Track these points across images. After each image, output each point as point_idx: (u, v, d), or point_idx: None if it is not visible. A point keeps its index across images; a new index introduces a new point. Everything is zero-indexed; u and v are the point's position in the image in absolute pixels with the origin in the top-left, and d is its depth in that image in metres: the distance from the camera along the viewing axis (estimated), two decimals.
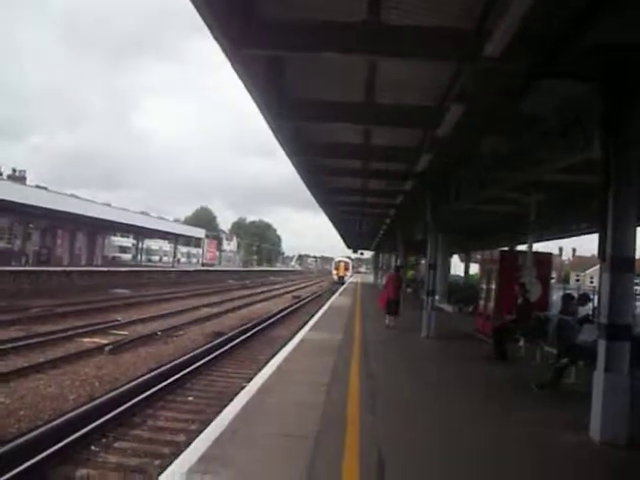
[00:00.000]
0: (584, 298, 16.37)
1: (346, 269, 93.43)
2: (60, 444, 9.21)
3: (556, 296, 25.37)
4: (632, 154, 8.47)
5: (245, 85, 10.92)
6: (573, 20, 7.34)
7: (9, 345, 17.75)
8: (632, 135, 8.43)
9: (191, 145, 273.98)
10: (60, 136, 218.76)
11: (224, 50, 8.98)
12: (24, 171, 60.11)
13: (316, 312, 27.93)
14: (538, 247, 31.63)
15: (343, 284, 71.97)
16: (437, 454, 7.48)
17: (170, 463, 6.74)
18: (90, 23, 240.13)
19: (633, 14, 7.12)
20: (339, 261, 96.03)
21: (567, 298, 16.51)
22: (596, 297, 14.88)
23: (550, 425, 9.28)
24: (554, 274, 54.64)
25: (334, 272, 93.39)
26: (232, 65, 9.78)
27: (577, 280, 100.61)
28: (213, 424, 8.03)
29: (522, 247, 27.32)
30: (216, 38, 8.48)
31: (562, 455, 7.83)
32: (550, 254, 24.87)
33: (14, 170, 59.24)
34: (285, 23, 8.93)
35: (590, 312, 14.70)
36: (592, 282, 72.27)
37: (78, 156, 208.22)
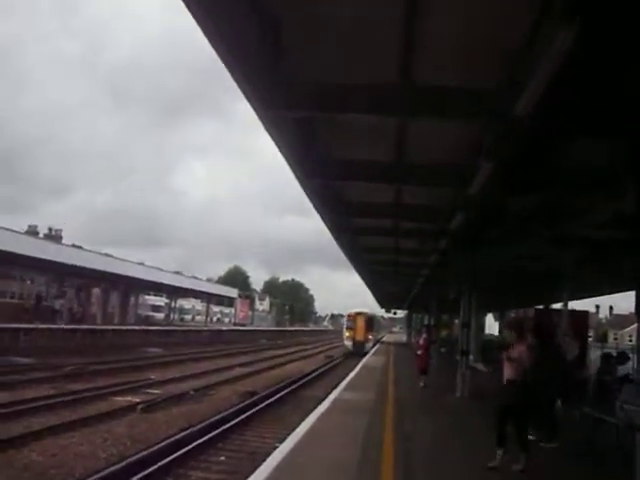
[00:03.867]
0: (623, 357, 16.09)
1: (368, 328, 56.11)
2: None
3: (594, 355, 24.95)
4: None
5: (276, 144, 11.08)
6: (606, 76, 7.40)
7: (42, 403, 17.78)
8: None
9: (226, 204, 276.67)
10: (100, 194, 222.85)
11: (254, 109, 9.16)
12: (60, 230, 61.14)
13: (349, 372, 27.66)
14: (574, 305, 31.41)
15: (364, 354, 44.97)
16: None
17: None
18: (136, 79, 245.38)
19: None
20: (356, 315, 56.91)
21: (606, 357, 16.23)
22: (635, 356, 14.65)
23: None
24: (591, 332, 53.75)
25: (346, 334, 57.28)
26: (263, 124, 9.95)
27: (615, 339, 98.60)
28: None
29: (557, 305, 26.97)
30: (247, 98, 8.67)
31: None
32: (586, 312, 24.51)
33: (50, 229, 60.24)
34: (315, 84, 9.08)
35: (630, 371, 14.44)
36: (630, 340, 70.93)
37: (116, 214, 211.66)
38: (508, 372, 10.09)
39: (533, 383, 10.19)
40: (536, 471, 10.02)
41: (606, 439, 12.27)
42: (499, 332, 51.93)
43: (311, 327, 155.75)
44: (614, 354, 17.16)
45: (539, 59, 6.60)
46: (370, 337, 57.13)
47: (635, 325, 13.78)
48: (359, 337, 55.71)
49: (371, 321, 58.26)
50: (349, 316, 58.88)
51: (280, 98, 8.92)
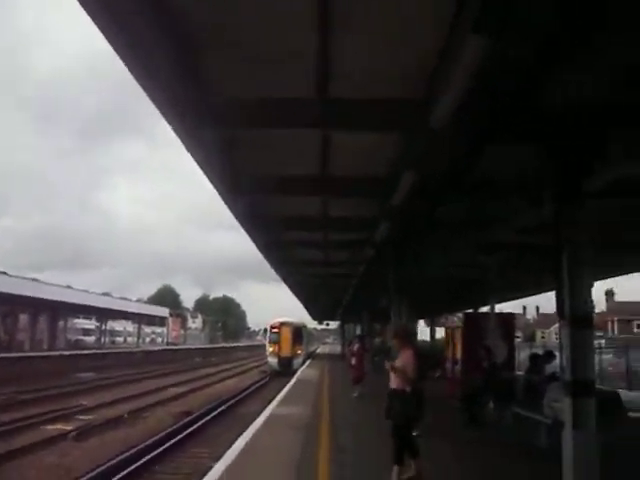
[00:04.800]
0: (549, 356, 16.48)
1: (296, 341, 48.57)
2: None
3: (523, 355, 25.55)
4: (581, 216, 8.71)
5: (195, 161, 11.03)
6: (517, 87, 7.61)
7: None
8: (580, 197, 8.69)
9: (154, 223, 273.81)
10: (23, 218, 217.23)
11: (173, 129, 9.13)
12: None
13: (284, 386, 27.64)
14: (502, 307, 32.11)
15: (293, 373, 38.57)
16: None
17: None
18: (58, 101, 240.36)
19: (576, 76, 7.43)
20: (280, 326, 48.97)
21: (533, 357, 16.65)
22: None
23: None
24: (519, 333, 55.10)
25: (269, 349, 48.95)
26: (182, 142, 9.90)
27: (542, 337, 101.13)
28: None
29: (486, 308, 27.49)
30: (165, 118, 8.64)
31: None
32: (512, 314, 25.13)
33: None
34: (232, 101, 9.07)
35: (557, 369, 14.83)
36: (557, 338, 72.77)
37: (41, 238, 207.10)
38: (394, 381, 9.64)
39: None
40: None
41: (535, 437, 12.58)
42: (430, 337, 52.76)
43: (245, 342, 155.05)
44: (541, 354, 17.61)
45: (450, 71, 6.76)
46: (299, 352, 48.72)
47: None
48: (285, 352, 47.25)
49: (299, 332, 49.94)
50: (272, 327, 49.52)
51: (197, 117, 8.90)
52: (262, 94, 8.98)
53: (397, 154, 11.10)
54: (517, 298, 38.85)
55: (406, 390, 9.39)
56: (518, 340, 42.32)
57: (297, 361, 47.06)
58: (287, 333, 48.29)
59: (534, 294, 34.96)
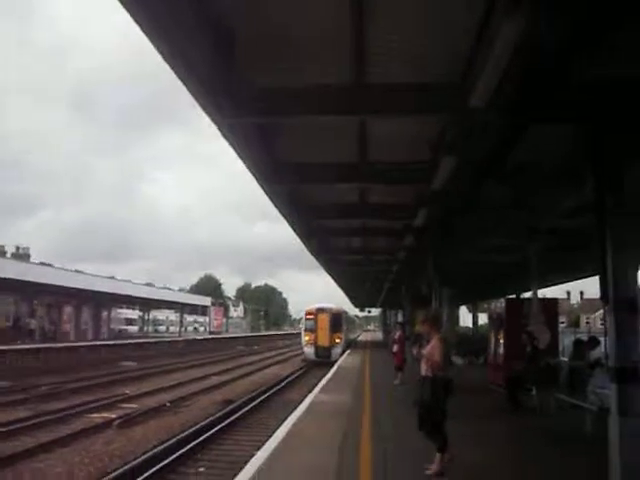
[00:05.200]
0: (593, 342, 16.22)
1: (335, 328, 43.93)
2: None
3: (568, 341, 25.20)
4: (626, 196, 8.49)
5: (235, 151, 11.03)
6: (555, 65, 7.46)
7: (17, 425, 17.51)
8: (624, 176, 8.48)
9: (196, 213, 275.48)
10: (67, 211, 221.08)
11: (212, 119, 9.13)
12: (27, 248, 60.67)
13: (325, 374, 27.64)
14: (545, 292, 31.67)
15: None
16: None
17: None
18: (99, 94, 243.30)
19: (615, 51, 7.24)
20: (317, 312, 44.64)
21: (577, 344, 16.39)
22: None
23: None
24: (563, 318, 54.49)
25: (305, 338, 44.76)
26: (221, 133, 9.90)
27: (587, 323, 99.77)
28: None
29: (529, 294, 27.13)
30: (203, 109, 8.64)
31: None
32: (556, 299, 24.75)
33: (17, 248, 59.67)
34: (271, 89, 9.05)
35: (602, 356, 14.56)
36: (602, 324, 71.70)
37: (85, 230, 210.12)
38: (422, 368, 9.46)
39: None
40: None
41: (580, 424, 12.39)
42: (472, 324, 52.36)
43: (286, 330, 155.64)
44: (585, 339, 17.34)
45: (487, 52, 6.64)
46: (338, 340, 44.20)
47: None
48: (322, 341, 43.43)
49: (338, 319, 45.12)
50: (308, 314, 45.46)
51: (236, 106, 8.88)
52: (297, 82, 8.95)
53: (436, 138, 11.00)
54: (561, 283, 38.33)
55: (432, 376, 9.19)
56: (562, 326, 41.82)
57: (336, 351, 43.15)
58: (324, 320, 44.01)
59: (578, 279, 34.45)
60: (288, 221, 18.98)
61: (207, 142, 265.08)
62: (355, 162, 13.09)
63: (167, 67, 7.39)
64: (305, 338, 44.82)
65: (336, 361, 36.23)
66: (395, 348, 24.60)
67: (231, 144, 10.63)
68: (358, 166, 13.28)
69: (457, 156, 10.78)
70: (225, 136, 10.17)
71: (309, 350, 44.24)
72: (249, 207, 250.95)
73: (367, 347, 54.96)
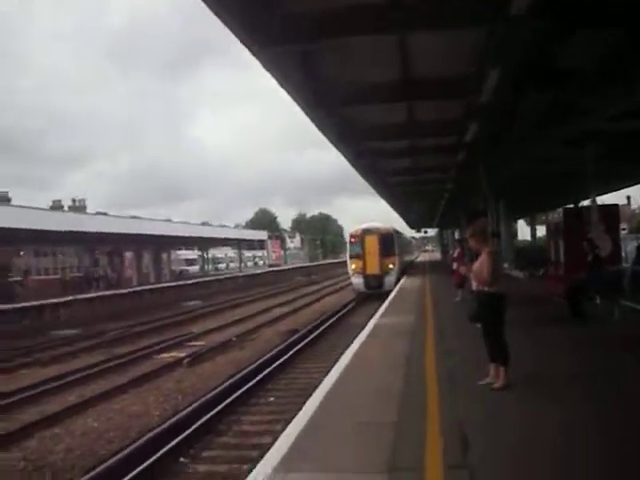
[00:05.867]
0: None
1: (386, 252, 37.29)
2: (148, 461, 9.33)
3: (630, 247, 24.73)
4: None
5: (277, 81, 10.87)
6: None
7: (92, 370, 18.08)
8: None
9: (245, 150, 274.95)
10: (117, 159, 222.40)
11: (249, 50, 8.96)
12: (84, 200, 61.73)
13: (387, 297, 27.74)
14: (605, 199, 31.05)
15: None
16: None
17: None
18: (136, 38, 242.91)
19: None
20: (363, 234, 37.88)
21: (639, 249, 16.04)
22: None
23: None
24: (625, 225, 53.46)
25: (352, 266, 38.12)
26: (261, 63, 9.74)
27: None
28: (294, 422, 7.94)
29: (587, 202, 26.58)
30: (239, 38, 8.48)
31: None
32: (616, 205, 24.29)
33: (74, 200, 60.76)
34: (306, 15, 8.85)
35: None
36: None
37: (136, 176, 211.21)
38: (473, 284, 9.39)
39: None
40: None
41: None
42: (531, 237, 51.79)
43: (344, 258, 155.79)
44: None
45: None
46: (391, 266, 37.33)
47: None
48: (372, 269, 36.93)
49: (390, 240, 37.93)
50: (353, 237, 38.63)
51: (274, 35, 8.71)
52: (334, 4, 8.70)
53: (479, 50, 10.66)
54: (620, 189, 37.45)
55: (484, 290, 8.95)
56: (623, 232, 41.08)
57: (389, 279, 36.63)
58: (373, 243, 37.26)
59: (638, 183, 33.69)
60: (336, 146, 18.79)
61: (250, 76, 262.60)
62: (400, 80, 12.81)
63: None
64: (352, 266, 38.11)
65: (390, 291, 30.35)
66: (455, 266, 24.48)
67: (272, 74, 10.48)
68: (403, 84, 13.00)
69: (502, 66, 10.47)
70: (265, 66, 10.01)
71: (357, 280, 37.70)
72: (296, 137, 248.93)
73: (426, 268, 54.72)
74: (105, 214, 49.48)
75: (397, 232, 42.59)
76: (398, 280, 36.89)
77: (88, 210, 57.37)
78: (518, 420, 7.35)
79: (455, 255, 24.95)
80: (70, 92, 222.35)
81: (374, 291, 35.60)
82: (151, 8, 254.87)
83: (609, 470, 5.58)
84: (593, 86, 11.87)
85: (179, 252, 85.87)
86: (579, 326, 14.38)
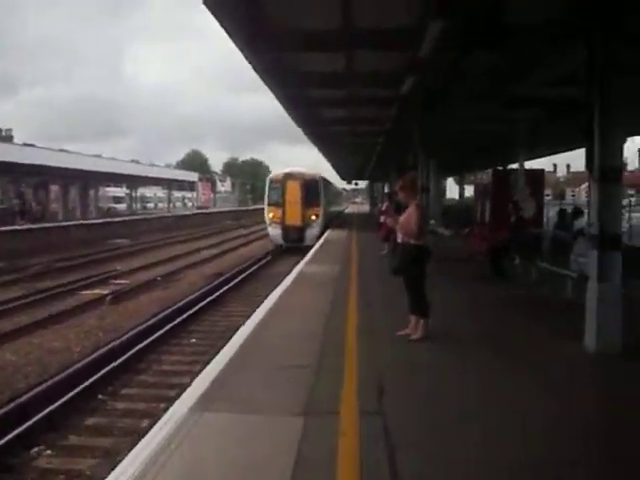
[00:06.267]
0: (577, 212, 16.38)
1: (310, 201, 34.39)
2: (66, 397, 9.34)
3: (552, 212, 25.47)
4: (616, 63, 8.35)
5: (216, 18, 10.65)
6: None
7: (12, 305, 17.78)
8: (615, 43, 8.31)
9: (179, 88, 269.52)
10: (49, 89, 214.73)
11: None
12: (10, 130, 59.94)
13: (312, 245, 27.97)
14: (532, 165, 31.71)
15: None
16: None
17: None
18: None
19: None
20: (285, 178, 34.70)
21: (562, 213, 16.56)
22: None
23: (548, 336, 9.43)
24: (549, 191, 54.82)
25: (269, 215, 35.08)
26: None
27: (572, 195, 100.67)
28: (213, 363, 8.05)
29: (515, 166, 27.14)
30: None
31: (559, 365, 7.96)
32: (542, 170, 24.87)
33: (0, 130, 58.85)
34: None
35: (584, 225, 14.73)
36: (587, 197, 71.67)
37: (68, 108, 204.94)
38: (399, 236, 9.53)
39: None
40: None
41: (561, 291, 12.69)
42: (459, 196, 52.64)
43: None
44: (569, 210, 17.50)
45: None
46: (314, 217, 34.30)
47: None
48: (292, 219, 33.62)
49: (314, 187, 34.75)
50: (273, 182, 35.18)
51: None
52: None
53: (422, 2, 10.65)
54: (547, 155, 38.31)
55: (410, 242, 9.15)
56: (548, 198, 42.11)
57: (311, 232, 33.81)
58: (295, 190, 33.88)
59: (565, 151, 34.46)
60: (273, 91, 18.61)
61: (192, 13, 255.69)
62: (340, 28, 12.68)
63: None
64: (269, 215, 34.54)
65: (312, 246, 27.93)
66: (382, 219, 24.74)
67: (212, 12, 10.27)
68: (343, 32, 12.88)
69: (444, 19, 10.47)
70: (205, 3, 9.81)
71: (275, 232, 34.34)
72: (234, 80, 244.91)
73: (354, 219, 55.18)
74: (33, 146, 47.94)
75: (324, 180, 39.34)
76: (322, 234, 34.10)
77: (15, 141, 55.56)
78: (432, 370, 7.66)
79: (383, 208, 25.23)
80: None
81: (293, 244, 33.01)
82: None
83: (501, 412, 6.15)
84: (535, 49, 12.05)
85: (107, 189, 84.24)
86: (498, 285, 14.86)
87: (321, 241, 30.09)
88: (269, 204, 34.87)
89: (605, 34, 8.28)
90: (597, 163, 8.44)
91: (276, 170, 37.98)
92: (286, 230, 33.64)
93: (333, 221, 45.83)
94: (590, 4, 8.53)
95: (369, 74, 16.86)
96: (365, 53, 14.70)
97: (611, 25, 8.22)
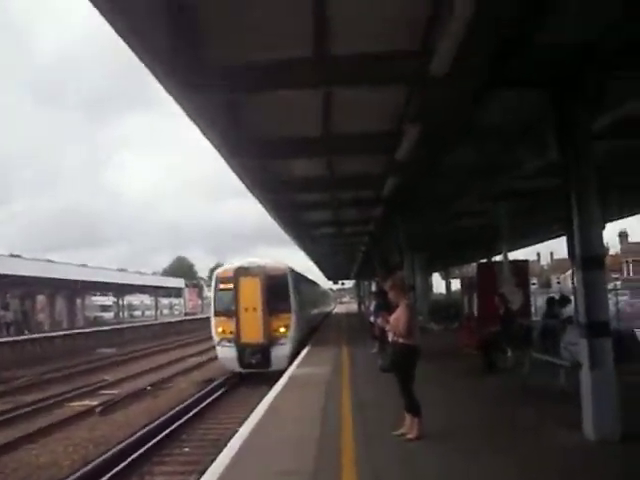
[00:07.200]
0: (564, 300, 16.49)
1: (276, 307, 23.40)
2: None
3: (541, 301, 25.62)
4: (589, 155, 8.67)
5: (199, 127, 10.94)
6: (513, 32, 7.52)
7: None
8: (586, 138, 8.65)
9: (164, 197, 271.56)
10: (33, 200, 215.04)
11: (174, 98, 9.08)
12: None
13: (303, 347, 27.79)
14: (516, 255, 32.13)
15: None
16: None
17: None
18: (57, 80, 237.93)
19: (573, 16, 7.34)
20: (237, 274, 23.40)
21: (550, 302, 16.66)
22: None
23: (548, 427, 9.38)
24: (535, 280, 55.23)
25: (218, 329, 23.75)
26: (184, 111, 9.84)
27: (558, 283, 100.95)
28: (209, 471, 7.94)
29: (500, 257, 27.46)
30: (164, 86, 8.58)
31: (563, 457, 7.90)
32: (526, 261, 25.18)
33: None
34: (233, 66, 9.01)
35: (573, 313, 14.83)
36: (574, 283, 72.02)
37: (52, 219, 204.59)
38: (389, 335, 9.55)
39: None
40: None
41: (555, 380, 12.66)
42: (446, 290, 52.84)
43: None
44: (557, 298, 17.62)
45: (445, 19, 6.71)
46: (283, 329, 23.90)
47: None
48: (251, 334, 23.29)
49: (283, 286, 24.43)
50: (221, 281, 24.74)
51: (198, 83, 8.83)
52: (260, 57, 8.89)
53: (400, 108, 11.04)
54: (530, 245, 38.88)
55: (399, 342, 9.21)
56: (534, 287, 42.48)
57: (281, 352, 23.53)
58: (252, 290, 23.47)
59: (547, 240, 35.01)
60: (256, 197, 18.90)
61: (173, 123, 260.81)
62: (320, 135, 13.05)
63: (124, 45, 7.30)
64: (217, 329, 24.32)
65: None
66: (372, 318, 24.74)
67: (194, 122, 10.56)
68: (323, 139, 13.25)
69: (422, 124, 10.85)
70: (189, 114, 10.11)
71: (226, 353, 24.03)
72: (218, 186, 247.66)
73: (342, 317, 55.13)
74: (19, 257, 48.05)
75: (295, 273, 28.64)
76: (297, 352, 24.04)
77: (1, 252, 55.61)
78: (430, 470, 7.59)
79: (372, 308, 25.21)
80: None
81: (255, 370, 23.27)
82: (78, 50, 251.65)
83: None
84: (510, 145, 12.47)
85: (94, 298, 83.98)
86: (491, 378, 14.81)
87: (310, 346, 26.42)
88: (216, 313, 24.55)
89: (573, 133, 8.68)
90: (579, 252, 8.62)
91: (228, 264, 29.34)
92: (243, 350, 23.42)
93: (314, 330, 36.58)
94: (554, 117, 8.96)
95: (351, 177, 17.27)
96: (345, 158, 15.12)
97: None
